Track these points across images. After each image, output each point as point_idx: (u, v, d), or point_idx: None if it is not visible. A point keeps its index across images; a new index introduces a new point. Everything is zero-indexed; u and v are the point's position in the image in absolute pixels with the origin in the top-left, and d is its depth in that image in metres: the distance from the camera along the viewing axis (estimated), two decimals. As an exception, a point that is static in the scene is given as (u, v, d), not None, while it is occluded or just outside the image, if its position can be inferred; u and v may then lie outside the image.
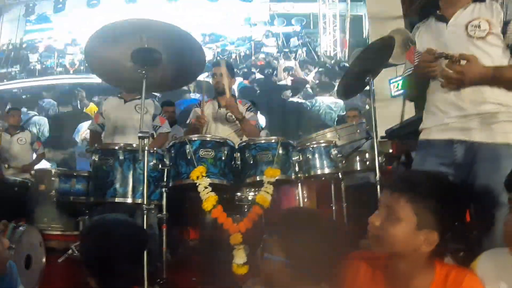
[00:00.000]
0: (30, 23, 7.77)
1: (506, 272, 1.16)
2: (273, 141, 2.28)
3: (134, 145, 2.26)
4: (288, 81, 7.12)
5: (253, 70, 7.23)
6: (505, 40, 1.69)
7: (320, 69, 7.14)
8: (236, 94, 6.10)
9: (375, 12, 6.77)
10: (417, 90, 1.98)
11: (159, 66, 2.16)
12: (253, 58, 7.30)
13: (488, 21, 1.69)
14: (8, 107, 6.30)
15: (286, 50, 7.28)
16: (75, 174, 2.54)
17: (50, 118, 7.18)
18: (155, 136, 3.18)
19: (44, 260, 2.44)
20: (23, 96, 7.31)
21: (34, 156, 5.08)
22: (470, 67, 1.61)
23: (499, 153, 1.63)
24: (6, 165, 4.63)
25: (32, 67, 7.61)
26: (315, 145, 2.41)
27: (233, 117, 2.90)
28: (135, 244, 1.28)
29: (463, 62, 1.62)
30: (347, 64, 6.90)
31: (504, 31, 1.68)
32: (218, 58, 6.87)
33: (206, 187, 2.07)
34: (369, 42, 6.81)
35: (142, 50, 2.12)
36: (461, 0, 1.78)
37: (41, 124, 7.07)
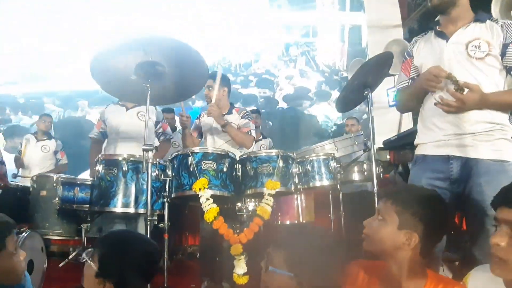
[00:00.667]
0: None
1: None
2: (273, 154, 2.33)
3: (138, 156, 2.31)
4: (289, 89, 7.16)
5: (252, 78, 7.28)
6: (504, 62, 1.72)
7: (320, 78, 7.19)
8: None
9: (374, 21, 6.80)
10: (410, 103, 2.00)
11: (163, 79, 2.21)
12: (252, 66, 7.35)
13: (488, 43, 1.72)
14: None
15: (286, 59, 7.33)
16: (78, 182, 2.58)
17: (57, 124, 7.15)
18: (158, 143, 3.21)
19: (45, 265, 2.48)
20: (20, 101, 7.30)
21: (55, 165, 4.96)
22: (471, 96, 1.64)
23: (494, 169, 1.67)
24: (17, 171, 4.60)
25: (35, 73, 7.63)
26: (314, 158, 2.46)
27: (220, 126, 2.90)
28: (152, 262, 1.32)
29: (465, 90, 1.64)
30: (345, 74, 6.95)
31: (503, 53, 1.71)
32: (215, 68, 6.89)
33: (207, 199, 2.11)
34: (368, 51, 6.87)
35: (145, 64, 2.17)
36: (462, 19, 1.80)
37: None
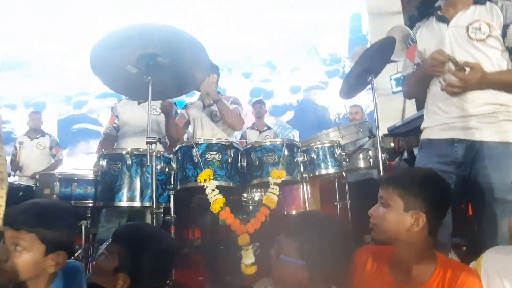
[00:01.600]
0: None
1: (510, 270, 1.19)
2: (278, 142, 2.31)
3: (141, 149, 2.30)
4: (294, 80, 7.12)
5: (254, 70, 7.24)
6: (505, 43, 1.72)
7: (322, 68, 7.14)
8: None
9: (374, 8, 6.77)
10: (416, 89, 2.00)
11: (164, 71, 2.19)
12: (253, 58, 7.31)
13: (488, 24, 1.72)
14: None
15: (287, 49, 7.28)
16: (76, 178, 2.54)
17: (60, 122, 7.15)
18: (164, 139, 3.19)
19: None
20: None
21: (52, 162, 4.98)
22: (472, 75, 1.63)
23: (499, 151, 1.67)
24: (13, 173, 4.59)
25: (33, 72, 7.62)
26: (319, 145, 2.44)
27: (218, 114, 2.90)
28: (171, 257, 1.29)
29: (467, 69, 1.64)
30: (347, 62, 6.90)
31: (503, 34, 1.71)
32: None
33: (213, 190, 2.10)
34: (369, 38, 6.82)
35: (146, 56, 2.15)
36: (462, 2, 1.80)
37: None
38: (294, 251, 1.25)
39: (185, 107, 3.12)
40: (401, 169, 1.46)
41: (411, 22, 6.07)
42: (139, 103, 3.16)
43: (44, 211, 1.14)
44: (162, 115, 3.06)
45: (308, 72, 7.22)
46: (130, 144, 2.96)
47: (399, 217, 1.29)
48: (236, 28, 7.47)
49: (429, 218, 1.28)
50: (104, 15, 7.44)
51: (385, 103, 5.48)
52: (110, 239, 1.27)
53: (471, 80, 1.63)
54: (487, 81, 1.65)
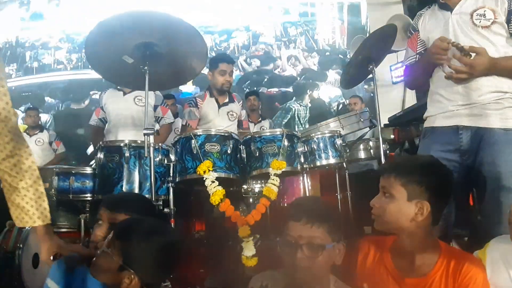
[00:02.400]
0: (24, 21, 7.68)
1: None
2: (278, 133, 2.28)
3: (139, 142, 2.26)
4: (292, 71, 7.05)
5: (251, 60, 7.16)
6: (510, 29, 1.69)
7: (321, 58, 7.08)
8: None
9: (373, -3, 6.73)
10: (420, 78, 1.98)
11: (161, 60, 2.14)
12: (252, 48, 7.23)
13: (493, 10, 1.70)
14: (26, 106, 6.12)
15: (285, 39, 7.20)
16: (73, 172, 2.51)
17: (59, 116, 7.09)
18: (159, 128, 3.15)
19: (51, 257, 2.45)
20: (23, 94, 7.23)
21: (52, 156, 4.92)
22: (479, 60, 1.61)
23: (504, 138, 1.65)
24: None
25: (29, 65, 7.56)
26: (319, 136, 2.42)
27: (234, 114, 2.91)
28: (178, 252, 1.25)
29: (472, 54, 1.62)
30: (347, 51, 6.85)
31: (508, 20, 1.69)
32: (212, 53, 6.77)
33: (213, 181, 2.07)
34: (368, 28, 6.77)
35: (142, 45, 2.10)
36: None
37: (46, 122, 6.81)
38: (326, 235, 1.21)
39: (195, 104, 2.99)
40: (402, 157, 1.42)
41: (410, 12, 6.03)
42: (124, 94, 3.12)
43: None
44: (148, 107, 3.02)
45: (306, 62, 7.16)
46: (119, 136, 2.94)
47: (403, 207, 1.26)
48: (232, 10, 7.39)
49: (433, 207, 1.26)
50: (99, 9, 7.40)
51: (385, 94, 5.44)
52: (111, 235, 1.22)
53: (478, 65, 1.61)
54: (493, 67, 1.63)
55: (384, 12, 6.10)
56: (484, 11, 1.71)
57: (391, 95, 5.47)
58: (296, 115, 6.65)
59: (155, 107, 3.14)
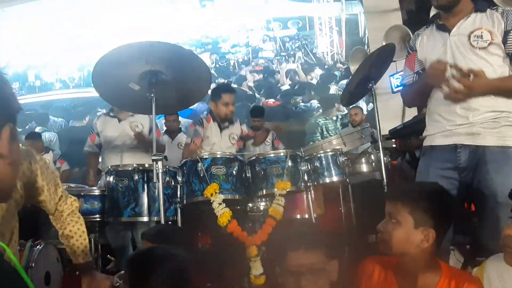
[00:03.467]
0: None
1: (510, 279, 1.22)
2: (282, 154, 2.33)
3: (147, 165, 2.33)
4: (287, 85, 7.09)
5: (251, 76, 7.20)
6: (506, 49, 1.73)
7: (320, 72, 7.13)
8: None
9: (371, 7, 6.75)
10: (417, 98, 2.03)
11: (166, 88, 2.21)
12: (252, 63, 7.28)
13: (490, 32, 1.73)
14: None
15: (284, 53, 7.24)
16: (82, 194, 2.52)
17: (62, 134, 7.12)
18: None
19: (62, 274, 2.50)
20: (26, 112, 7.29)
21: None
22: (477, 81, 1.65)
23: (501, 156, 1.69)
24: None
25: (31, 83, 7.64)
26: (322, 154, 2.47)
27: (235, 137, 3.03)
28: (184, 278, 1.30)
29: (471, 75, 1.65)
30: (346, 64, 6.89)
31: (505, 41, 1.72)
32: (227, 82, 6.70)
33: (220, 204, 2.13)
34: (367, 38, 6.82)
35: (149, 73, 2.17)
36: (463, 11, 1.80)
37: (51, 140, 6.84)
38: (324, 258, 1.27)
39: (201, 123, 3.02)
40: (408, 184, 1.46)
41: (410, 17, 6.06)
42: (119, 121, 3.19)
43: None
44: (144, 132, 3.11)
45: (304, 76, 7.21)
46: (111, 162, 3.00)
47: (409, 234, 1.29)
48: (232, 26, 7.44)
49: (437, 232, 1.30)
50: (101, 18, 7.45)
51: (385, 103, 5.47)
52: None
53: (476, 87, 1.65)
54: (490, 88, 1.67)
55: (382, 21, 6.14)
56: (481, 32, 1.74)
57: (391, 104, 5.49)
58: (324, 128, 6.66)
59: (150, 130, 3.20)
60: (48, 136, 6.87)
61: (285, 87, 7.09)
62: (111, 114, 3.26)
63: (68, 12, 7.66)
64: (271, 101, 7.07)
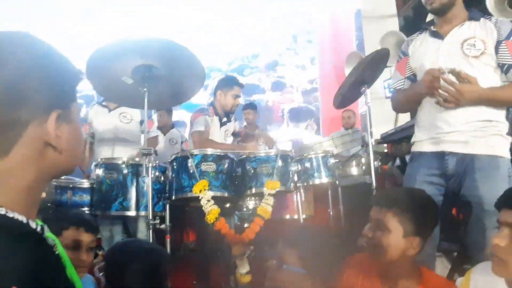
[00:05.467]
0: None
1: None
2: (272, 153, 2.34)
3: (137, 159, 2.32)
4: (302, 83, 6.98)
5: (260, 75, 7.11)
6: (498, 59, 1.74)
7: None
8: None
9: (368, 11, 6.77)
10: (407, 106, 2.04)
11: (159, 82, 2.21)
12: (260, 57, 7.13)
13: (483, 41, 1.74)
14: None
15: (294, 47, 7.04)
16: (71, 186, 2.52)
17: None
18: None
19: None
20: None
21: None
22: (469, 87, 1.66)
23: (488, 165, 1.71)
24: None
25: None
26: (313, 155, 2.48)
27: (228, 134, 3.07)
28: (158, 272, 1.32)
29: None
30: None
31: (496, 51, 1.73)
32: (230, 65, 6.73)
33: (208, 200, 2.13)
34: (364, 42, 6.82)
35: (142, 67, 2.17)
36: (457, 18, 1.82)
37: None
38: (296, 260, 1.29)
39: (207, 111, 3.04)
40: (397, 191, 1.47)
41: (406, 23, 6.08)
42: (109, 111, 3.18)
43: None
44: (134, 123, 3.08)
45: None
46: (104, 152, 3.02)
47: (398, 242, 1.32)
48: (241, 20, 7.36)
49: (422, 240, 1.33)
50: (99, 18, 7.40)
51: (378, 107, 5.49)
52: None
53: (467, 92, 1.66)
54: (481, 96, 1.68)
55: (379, 26, 6.16)
56: (475, 41, 1.74)
57: (384, 109, 5.50)
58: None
59: (141, 122, 3.21)
60: None
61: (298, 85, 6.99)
62: (103, 103, 3.25)
63: (68, 11, 7.61)
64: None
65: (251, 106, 4.91)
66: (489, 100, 1.71)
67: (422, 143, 1.88)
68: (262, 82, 7.55)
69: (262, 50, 7.39)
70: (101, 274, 1.28)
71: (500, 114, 1.76)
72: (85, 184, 2.57)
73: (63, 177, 3.22)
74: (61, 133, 0.66)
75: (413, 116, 4.09)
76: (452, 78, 1.69)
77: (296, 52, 7.15)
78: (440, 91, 1.71)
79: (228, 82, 3.14)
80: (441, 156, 1.79)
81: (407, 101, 1.98)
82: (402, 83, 1.99)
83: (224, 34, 7.38)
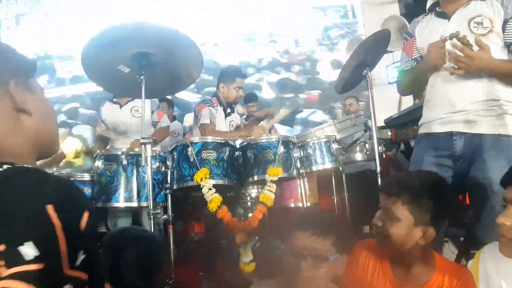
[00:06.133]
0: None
1: (508, 269, 1.19)
2: (273, 139, 2.29)
3: (137, 150, 2.29)
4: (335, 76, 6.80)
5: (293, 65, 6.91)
6: (504, 38, 1.71)
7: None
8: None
9: (369, -2, 6.69)
10: (414, 86, 2.00)
11: (156, 70, 2.16)
12: (293, 52, 6.99)
13: (490, 19, 1.71)
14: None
15: (327, 42, 6.91)
16: (71, 179, 2.49)
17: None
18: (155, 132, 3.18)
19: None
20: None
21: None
22: (481, 53, 1.61)
23: (497, 144, 1.68)
24: None
25: (61, 76, 7.50)
26: (315, 141, 2.44)
27: (234, 125, 3.06)
28: (150, 261, 1.30)
29: (475, 48, 1.62)
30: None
31: (503, 30, 1.71)
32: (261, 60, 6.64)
33: (210, 189, 2.09)
34: (365, 29, 6.73)
35: (138, 55, 2.12)
36: None
37: (81, 134, 6.63)
38: (331, 247, 1.22)
39: (212, 104, 3.05)
40: (407, 177, 1.39)
41: (407, 10, 6.02)
42: (121, 107, 3.16)
43: None
44: (146, 116, 3.04)
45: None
46: (118, 146, 2.98)
47: (409, 231, 1.26)
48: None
49: (435, 229, 1.27)
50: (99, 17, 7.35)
51: (381, 94, 5.44)
52: None
53: (478, 58, 1.61)
54: (491, 65, 1.63)
55: (379, 12, 6.10)
56: (482, 19, 1.72)
57: (387, 95, 5.46)
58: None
59: (152, 113, 3.16)
60: (78, 129, 6.81)
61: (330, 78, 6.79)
62: (114, 100, 3.22)
63: (68, 11, 7.54)
64: (315, 92, 6.85)
65: (254, 98, 4.64)
66: (499, 71, 1.67)
67: (430, 124, 1.85)
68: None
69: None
70: None
71: (508, 93, 1.73)
72: (85, 177, 2.54)
73: (64, 171, 3.23)
74: (25, 100, 0.75)
75: (415, 99, 4.05)
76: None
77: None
78: (447, 59, 1.67)
79: (230, 74, 3.11)
80: (449, 137, 1.76)
81: (414, 81, 1.95)
82: (410, 65, 1.97)
83: (224, 34, 7.29)
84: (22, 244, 0.55)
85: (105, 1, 7.63)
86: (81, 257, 0.60)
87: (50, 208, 0.58)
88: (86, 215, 0.63)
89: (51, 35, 7.57)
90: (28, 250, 0.55)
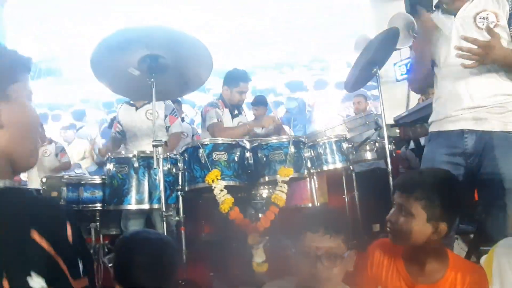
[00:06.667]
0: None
1: None
2: (284, 140, 2.28)
3: (148, 152, 2.29)
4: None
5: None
6: (511, 32, 1.71)
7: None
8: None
9: (375, -4, 6.67)
10: (422, 79, 2.00)
11: (166, 72, 2.17)
12: (295, 52, 6.88)
13: (495, 14, 1.71)
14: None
15: (333, 42, 6.76)
16: (82, 182, 2.54)
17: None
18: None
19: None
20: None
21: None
22: (494, 42, 1.60)
23: (509, 142, 1.67)
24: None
25: (67, 77, 7.54)
26: (326, 140, 2.42)
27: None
28: (165, 263, 1.30)
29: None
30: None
31: (509, 24, 1.71)
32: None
33: (221, 190, 2.09)
34: (371, 26, 6.71)
35: (148, 57, 2.13)
36: None
37: (87, 136, 6.91)
38: (344, 244, 1.23)
39: (217, 106, 3.09)
40: (421, 174, 1.41)
41: (412, 6, 5.98)
42: (136, 109, 3.17)
43: None
44: (159, 120, 3.06)
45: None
46: (135, 149, 2.99)
47: (422, 227, 1.28)
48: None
49: (448, 225, 1.29)
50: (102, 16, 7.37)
51: (389, 91, 5.42)
52: None
53: (493, 46, 1.59)
54: (506, 57, 1.62)
55: (386, 8, 6.07)
56: (487, 14, 1.73)
57: (396, 92, 5.45)
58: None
59: (164, 117, 3.16)
60: (84, 132, 6.84)
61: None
62: (131, 102, 3.24)
63: (68, 11, 7.57)
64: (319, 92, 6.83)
65: (262, 102, 4.46)
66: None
67: (440, 122, 1.84)
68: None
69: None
70: (110, 265, 1.27)
71: None
72: (97, 179, 2.57)
73: (73, 174, 3.26)
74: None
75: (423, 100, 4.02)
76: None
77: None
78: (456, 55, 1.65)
79: (234, 79, 3.14)
80: (460, 134, 1.76)
81: (421, 72, 1.95)
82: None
83: (224, 34, 7.30)
84: (26, 278, 0.55)
85: (105, 1, 7.66)
86: (81, 266, 0.61)
87: (35, 234, 0.57)
88: (69, 228, 0.62)
89: (51, 35, 7.62)
90: (35, 282, 0.55)
